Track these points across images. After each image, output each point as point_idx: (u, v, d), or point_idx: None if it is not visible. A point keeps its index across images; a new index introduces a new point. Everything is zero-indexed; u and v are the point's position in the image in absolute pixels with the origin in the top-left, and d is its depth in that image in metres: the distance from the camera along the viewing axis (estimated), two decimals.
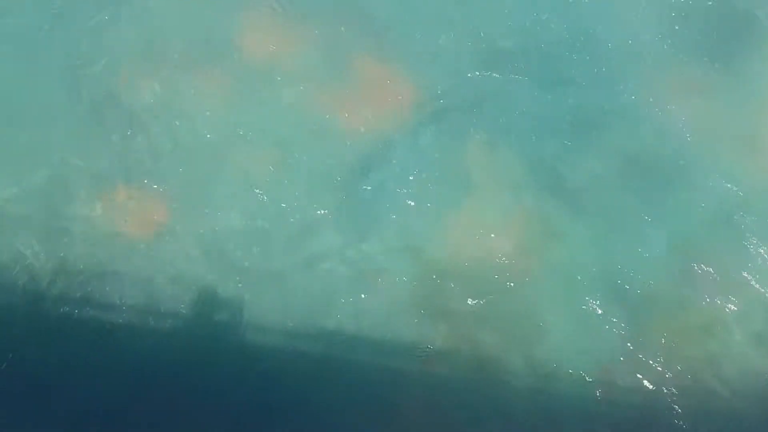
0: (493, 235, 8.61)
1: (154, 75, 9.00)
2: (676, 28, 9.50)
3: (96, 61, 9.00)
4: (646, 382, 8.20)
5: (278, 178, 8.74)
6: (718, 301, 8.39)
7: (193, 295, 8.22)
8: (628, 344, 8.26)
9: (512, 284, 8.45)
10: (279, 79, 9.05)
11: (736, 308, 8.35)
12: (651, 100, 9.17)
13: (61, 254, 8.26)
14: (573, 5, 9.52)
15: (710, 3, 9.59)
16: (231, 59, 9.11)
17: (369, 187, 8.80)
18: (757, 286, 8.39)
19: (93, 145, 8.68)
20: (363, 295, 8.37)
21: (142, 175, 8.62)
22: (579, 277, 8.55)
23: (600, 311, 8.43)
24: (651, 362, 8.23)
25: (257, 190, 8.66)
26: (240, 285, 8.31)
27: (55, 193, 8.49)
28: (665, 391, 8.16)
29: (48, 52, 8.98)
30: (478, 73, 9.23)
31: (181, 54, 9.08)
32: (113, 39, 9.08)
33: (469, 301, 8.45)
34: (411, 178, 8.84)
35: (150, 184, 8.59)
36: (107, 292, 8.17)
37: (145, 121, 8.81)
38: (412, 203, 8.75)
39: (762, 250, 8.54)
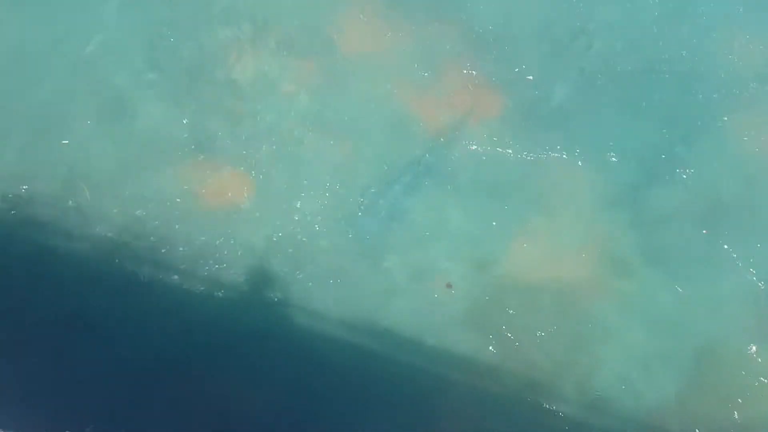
0: (562, 260, 8.46)
1: (252, 56, 9.19)
2: None
3: (191, 35, 9.23)
4: None
5: (353, 169, 8.81)
6: None
7: (259, 274, 8.40)
8: (684, 396, 7.97)
9: (574, 312, 8.29)
10: (369, 74, 9.10)
11: None
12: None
13: (138, 215, 8.53)
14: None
15: None
16: (327, 50, 9.22)
17: (439, 193, 8.78)
18: None
19: (181, 115, 8.93)
20: (422, 300, 8.39)
21: (226, 149, 8.84)
22: (644, 318, 8.32)
23: (662, 358, 8.19)
24: (703, 414, 7.94)
25: (334, 180, 8.76)
26: (305, 271, 8.45)
27: (140, 157, 8.72)
28: None
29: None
30: (571, 90, 9.09)
31: (279, 41, 9.27)
32: (211, 16, 9.29)
33: (529, 323, 8.34)
34: (484, 190, 8.78)
35: (232, 159, 8.80)
36: (177, 257, 8.41)
37: (237, 98, 9.04)
38: (483, 215, 8.67)
39: None
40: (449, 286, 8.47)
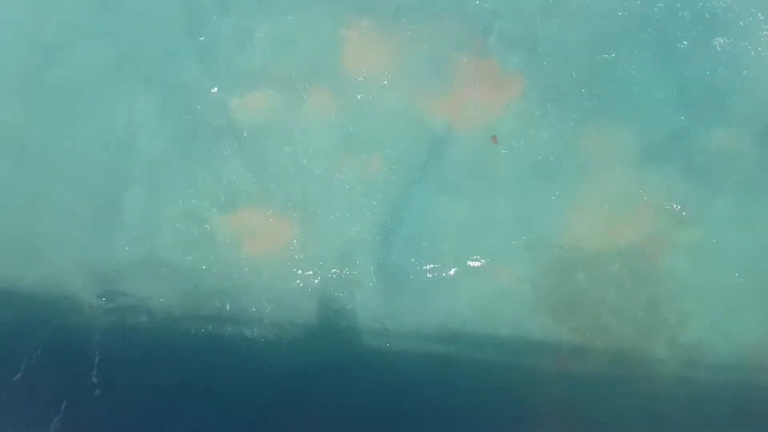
0: (620, 224, 8.28)
1: (265, 97, 9.10)
2: None
3: (206, 87, 9.15)
4: None
5: (390, 181, 8.72)
6: None
7: (323, 306, 8.39)
8: None
9: (646, 270, 8.15)
10: (385, 84, 9.00)
11: None
12: None
13: (195, 277, 8.50)
14: None
15: None
16: (335, 73, 9.11)
17: (484, 182, 8.64)
18: None
19: (213, 169, 8.88)
20: (487, 294, 8.26)
21: (263, 193, 8.79)
22: (718, 258, 8.14)
23: (743, 292, 7.99)
24: None
25: (373, 196, 8.68)
26: (365, 291, 8.40)
27: (183, 220, 8.72)
28: None
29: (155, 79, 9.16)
30: (586, 56, 8.82)
31: (287, 75, 9.13)
32: (220, 66, 9.21)
33: (600, 292, 8.19)
34: (526, 170, 8.62)
35: (272, 202, 8.75)
36: (241, 309, 8.42)
37: (260, 141, 8.95)
38: (531, 197, 8.52)
39: None
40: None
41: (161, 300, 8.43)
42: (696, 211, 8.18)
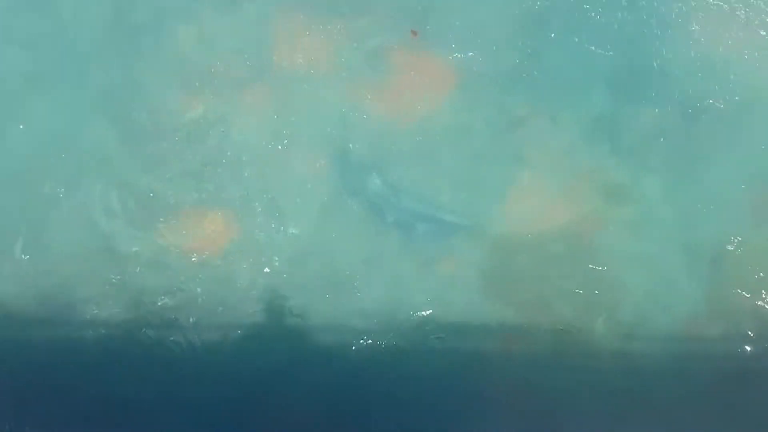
0: (559, 205, 8.52)
1: (198, 96, 8.99)
2: None
3: (136, 88, 8.97)
4: (731, 331, 8.07)
5: (332, 175, 8.74)
6: None
7: (269, 306, 8.41)
8: (712, 297, 8.12)
9: (585, 252, 8.40)
10: (321, 79, 9.01)
11: None
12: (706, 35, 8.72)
13: (135, 282, 8.40)
14: None
15: None
16: (270, 69, 9.06)
17: (422, 171, 8.74)
18: None
19: (148, 172, 8.74)
20: (434, 282, 8.38)
21: (201, 194, 8.72)
22: (651, 233, 8.44)
23: (675, 264, 8.30)
24: (734, 310, 8.09)
25: (316, 192, 8.70)
26: (312, 289, 8.42)
27: (117, 223, 8.58)
28: (752, 336, 8.02)
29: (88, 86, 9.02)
30: (518, 45, 8.97)
31: (219, 73, 9.04)
32: (151, 66, 9.04)
33: (542, 273, 8.42)
34: (464, 158, 8.77)
35: (212, 203, 8.69)
36: (184, 313, 8.37)
37: (195, 140, 8.87)
38: (470, 183, 8.68)
39: None
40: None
41: (96, 309, 8.24)
42: (627, 189, 8.46)
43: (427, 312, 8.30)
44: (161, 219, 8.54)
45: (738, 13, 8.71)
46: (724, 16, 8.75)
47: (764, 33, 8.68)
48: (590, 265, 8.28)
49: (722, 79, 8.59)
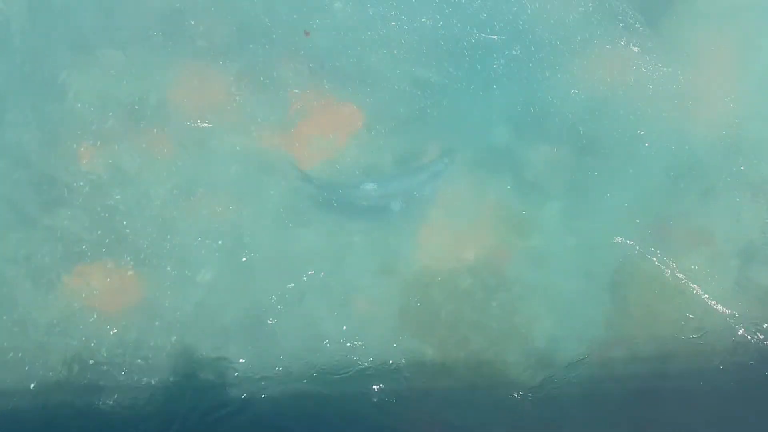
0: (464, 237, 8.74)
1: (98, 148, 8.75)
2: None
3: (28, 141, 8.63)
4: (636, 352, 8.40)
5: (240, 221, 8.63)
6: (687, 260, 8.63)
7: (183, 360, 8.13)
8: (615, 322, 8.49)
9: (495, 283, 8.63)
10: (223, 125, 8.96)
11: (702, 264, 8.61)
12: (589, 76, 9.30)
13: (36, 347, 7.98)
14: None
15: None
16: (169, 118, 8.94)
17: (334, 215, 8.77)
18: (723, 240, 8.70)
19: (49, 227, 8.39)
20: (347, 325, 8.36)
21: (106, 248, 8.42)
22: (555, 262, 8.74)
23: (581, 290, 8.64)
24: (635, 332, 8.47)
25: (223, 240, 8.56)
26: (226, 338, 8.24)
27: (16, 287, 8.09)
28: (656, 354, 8.42)
29: None
30: (417, 86, 9.26)
31: (118, 122, 8.84)
32: (52, 120, 8.78)
33: (456, 307, 8.54)
34: (372, 199, 8.87)
35: (118, 257, 8.41)
36: (89, 377, 7.97)
37: (97, 194, 8.60)
38: (380, 222, 8.78)
39: (722, 200, 8.84)
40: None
41: None
42: (531, 221, 8.81)
43: (345, 352, 8.22)
44: (63, 274, 8.15)
45: (622, 54, 9.43)
46: (610, 58, 9.39)
47: (646, 70, 9.40)
48: (501, 297, 8.51)
49: (611, 116, 9.17)
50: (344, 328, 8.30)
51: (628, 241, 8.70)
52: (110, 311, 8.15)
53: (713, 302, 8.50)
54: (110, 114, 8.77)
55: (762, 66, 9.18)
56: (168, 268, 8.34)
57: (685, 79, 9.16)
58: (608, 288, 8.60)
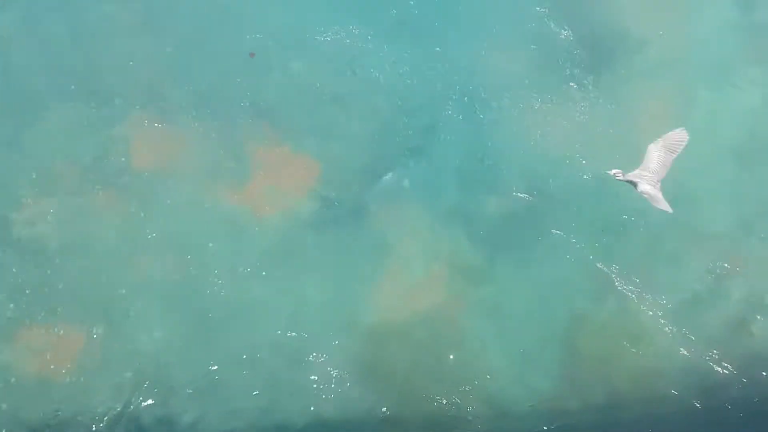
0: (420, 289, 8.79)
1: (52, 205, 8.73)
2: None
3: None
4: (589, 400, 8.41)
5: (197, 277, 8.60)
6: (638, 308, 8.76)
7: (134, 423, 7.92)
8: (566, 368, 8.52)
9: (450, 333, 8.65)
10: (180, 180, 9.04)
11: (655, 312, 8.74)
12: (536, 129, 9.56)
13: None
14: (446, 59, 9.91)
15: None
16: (126, 173, 8.99)
17: (287, 269, 8.78)
18: (670, 287, 8.87)
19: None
20: (306, 380, 8.29)
21: (57, 309, 8.31)
22: (508, 312, 8.80)
23: (534, 341, 8.67)
24: (588, 380, 8.50)
25: (180, 296, 8.51)
26: (180, 398, 8.11)
27: None
28: (609, 402, 8.43)
29: None
30: (374, 140, 9.46)
31: (71, 179, 8.86)
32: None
33: (413, 359, 8.53)
34: (330, 251, 8.94)
35: (71, 318, 8.28)
36: None
37: (49, 252, 8.53)
38: (338, 275, 8.80)
39: (668, 248, 9.06)
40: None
41: None
42: (483, 272, 8.93)
43: (302, 408, 8.09)
44: (9, 336, 7.98)
45: (567, 107, 9.75)
46: (556, 111, 9.70)
47: (590, 122, 9.71)
48: (457, 348, 8.54)
49: (560, 166, 9.43)
50: (300, 383, 8.20)
51: (580, 290, 8.84)
52: (51, 372, 7.96)
53: (666, 349, 8.61)
54: (62, 167, 8.75)
55: (699, 117, 9.54)
56: (118, 326, 8.23)
57: (628, 131, 9.47)
58: (562, 336, 8.67)
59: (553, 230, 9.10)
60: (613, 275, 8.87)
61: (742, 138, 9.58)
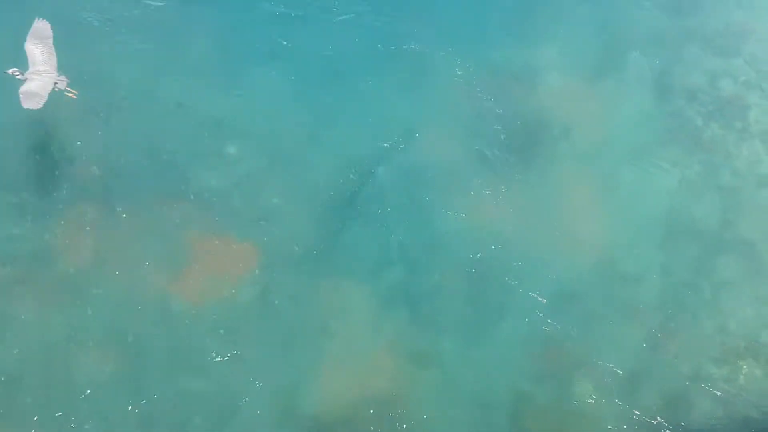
0: (365, 372, 8.70)
1: None
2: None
3: None
4: None
5: (134, 372, 8.32)
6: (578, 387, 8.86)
7: None
8: None
9: (396, 416, 8.48)
10: (116, 274, 8.83)
11: (591, 390, 8.86)
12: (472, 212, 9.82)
13: None
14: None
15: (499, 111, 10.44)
16: (57, 269, 8.74)
17: (226, 358, 8.57)
18: (606, 365, 8.98)
19: None
20: None
21: None
22: (453, 394, 8.74)
23: (479, 422, 8.61)
24: None
25: (116, 393, 8.17)
26: None
27: None
28: None
29: None
30: (316, 225, 9.52)
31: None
32: None
33: None
34: (273, 336, 8.80)
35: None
36: None
37: None
38: (281, 363, 8.63)
39: (603, 325, 9.25)
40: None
41: None
42: (427, 353, 8.89)
43: None
44: None
45: (499, 191, 10.10)
46: (489, 195, 9.98)
47: (521, 205, 10.08)
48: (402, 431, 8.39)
49: (495, 247, 9.60)
50: None
51: (523, 370, 8.88)
52: None
53: (610, 426, 8.66)
54: None
55: (624, 197, 10.06)
56: (52, 424, 7.83)
57: (558, 211, 9.88)
58: (505, 418, 8.63)
59: (493, 309, 9.23)
60: (554, 354, 9.00)
61: (665, 215, 10.12)
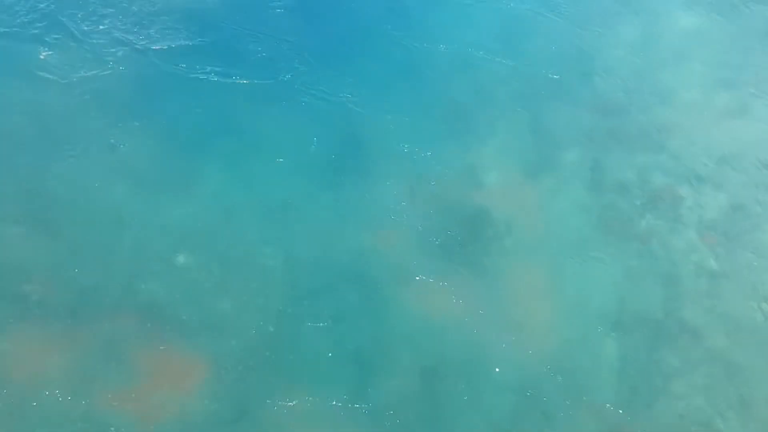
0: None
1: None
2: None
3: None
4: None
5: None
6: None
7: None
8: None
9: None
10: (58, 393, 8.40)
11: None
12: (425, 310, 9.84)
13: None
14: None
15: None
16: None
17: None
18: None
19: None
20: None
21: None
22: None
23: None
24: None
25: None
26: None
27: None
28: None
29: None
30: (271, 328, 9.36)
31: None
32: None
33: None
34: None
35: None
36: None
37: None
38: None
39: (561, 420, 9.22)
40: None
41: None
42: None
43: None
44: None
45: (449, 288, 10.15)
46: (439, 292, 10.04)
47: (472, 301, 10.14)
48: None
49: (447, 344, 9.58)
50: None
51: None
52: None
53: None
54: None
55: (570, 290, 10.31)
56: None
57: (509, 304, 9.99)
58: None
59: (451, 408, 9.06)
60: None
61: (613, 307, 10.33)
